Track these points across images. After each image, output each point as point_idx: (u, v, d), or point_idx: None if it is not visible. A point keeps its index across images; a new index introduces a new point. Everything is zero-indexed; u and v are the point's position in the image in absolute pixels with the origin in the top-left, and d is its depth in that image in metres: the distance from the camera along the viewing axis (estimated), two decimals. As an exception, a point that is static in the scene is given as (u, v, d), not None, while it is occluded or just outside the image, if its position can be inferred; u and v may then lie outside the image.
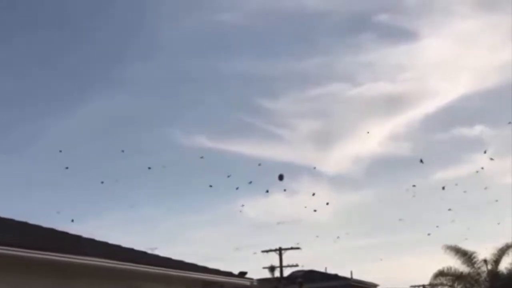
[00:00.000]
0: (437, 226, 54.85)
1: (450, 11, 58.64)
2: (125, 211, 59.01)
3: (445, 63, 63.78)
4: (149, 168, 34.98)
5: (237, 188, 39.38)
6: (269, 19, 61.42)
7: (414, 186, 34.78)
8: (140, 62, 64.89)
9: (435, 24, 60.71)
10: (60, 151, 36.80)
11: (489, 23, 60.90)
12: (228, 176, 34.26)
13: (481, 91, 63.46)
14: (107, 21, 60.45)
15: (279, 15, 59.91)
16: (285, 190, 37.89)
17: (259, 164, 38.18)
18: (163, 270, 16.95)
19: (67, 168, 33.38)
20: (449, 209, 43.41)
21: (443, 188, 42.22)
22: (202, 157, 40.65)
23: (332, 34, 64.02)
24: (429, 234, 42.56)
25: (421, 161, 31.86)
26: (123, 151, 42.35)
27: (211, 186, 39.45)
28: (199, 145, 60.66)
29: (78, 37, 60.64)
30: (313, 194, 40.28)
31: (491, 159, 40.77)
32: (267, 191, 41.11)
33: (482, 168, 42.48)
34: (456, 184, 44.23)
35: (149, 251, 21.00)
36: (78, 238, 18.72)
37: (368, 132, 36.05)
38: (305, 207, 44.33)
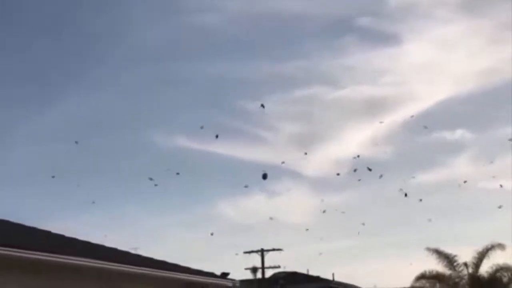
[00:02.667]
0: (419, 229, 55.33)
1: (432, 16, 59.07)
2: (106, 211, 58.81)
3: (427, 67, 64.22)
4: (151, 179, 34.78)
5: (246, 186, 39.36)
6: (252, 22, 61.56)
7: (401, 189, 35.17)
8: (121, 63, 64.87)
9: (417, 28, 61.16)
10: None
11: (470, 28, 61.42)
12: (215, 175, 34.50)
13: (461, 95, 63.97)
14: (87, 22, 60.20)
15: (262, 18, 60.09)
16: (266, 191, 38.12)
17: (239, 168, 38.04)
18: (146, 270, 17.01)
19: (53, 177, 33.12)
20: (431, 212, 43.76)
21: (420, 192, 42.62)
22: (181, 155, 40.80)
23: (314, 37, 64.31)
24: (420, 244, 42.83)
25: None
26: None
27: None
28: (181, 147, 60.72)
29: (55, 36, 60.37)
30: (289, 189, 40.69)
31: None
32: (246, 186, 41.21)
33: (461, 172, 42.89)
34: (437, 187, 44.55)
35: (132, 251, 21.07)
36: (60, 237, 18.74)
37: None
38: (287, 208, 44.53)
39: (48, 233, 18.66)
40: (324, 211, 40.18)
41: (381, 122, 34.44)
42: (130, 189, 63.44)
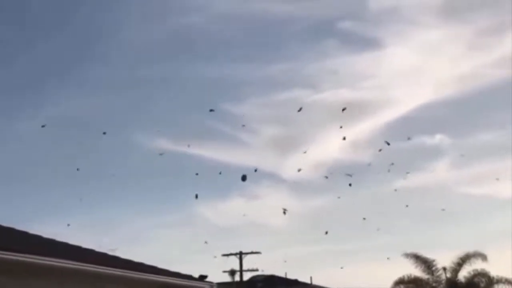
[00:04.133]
0: (398, 233, 55.63)
1: (414, 20, 59.38)
2: (84, 213, 58.57)
3: (408, 72, 64.58)
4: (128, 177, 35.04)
5: (220, 173, 38.71)
6: (234, 23, 61.71)
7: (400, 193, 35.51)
8: (102, 64, 64.63)
9: (399, 33, 61.49)
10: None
11: (452, 33, 61.85)
12: (196, 174, 34.44)
13: (441, 100, 64.33)
14: (69, 22, 60.00)
15: (244, 20, 60.23)
16: (244, 194, 38.18)
17: (220, 173, 37.94)
18: (124, 272, 16.96)
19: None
20: (410, 217, 44.05)
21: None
22: (161, 154, 40.71)
23: (296, 40, 64.45)
24: (388, 258, 43.29)
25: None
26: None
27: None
28: (161, 148, 60.60)
29: (37, 36, 60.10)
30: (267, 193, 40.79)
31: None
32: (220, 173, 41.18)
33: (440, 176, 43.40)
34: (416, 192, 44.83)
35: (110, 252, 20.96)
36: (38, 238, 18.63)
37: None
38: (265, 211, 44.58)
39: (25, 234, 18.54)
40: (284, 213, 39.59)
41: (344, 139, 34.59)
42: (110, 191, 63.29)
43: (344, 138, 33.97)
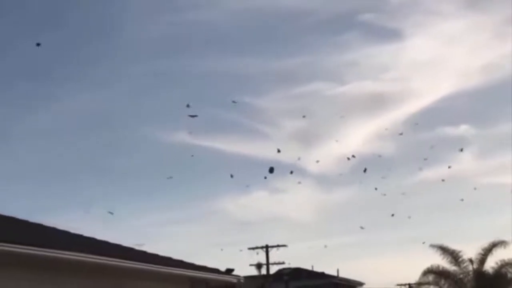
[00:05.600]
0: (422, 225, 55.37)
1: (435, 11, 59.01)
2: (108, 207, 58.95)
3: (430, 63, 64.20)
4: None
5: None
6: (255, 17, 61.67)
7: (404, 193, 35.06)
8: (118, 62, 64.79)
9: (420, 24, 61.16)
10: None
11: (474, 22, 61.38)
12: (232, 176, 32.98)
13: (465, 91, 63.87)
14: (81, 19, 60.15)
15: (264, 13, 60.14)
16: (269, 188, 37.89)
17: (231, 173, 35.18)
18: (150, 266, 17.09)
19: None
20: (433, 209, 43.80)
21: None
22: (192, 156, 40.55)
23: (317, 33, 64.35)
24: (423, 243, 42.76)
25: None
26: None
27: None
28: (183, 143, 60.82)
29: (51, 33, 60.23)
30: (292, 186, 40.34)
31: None
32: (248, 186, 41.09)
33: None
34: (442, 183, 44.48)
35: (137, 247, 21.10)
36: (66, 233, 18.84)
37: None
38: (290, 205, 44.47)
39: (53, 230, 18.76)
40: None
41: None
42: (132, 186, 63.62)
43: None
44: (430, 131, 55.68)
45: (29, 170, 58.04)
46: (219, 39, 63.74)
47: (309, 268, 60.94)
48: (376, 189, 35.29)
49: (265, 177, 30.76)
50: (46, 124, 60.83)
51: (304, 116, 44.94)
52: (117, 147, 62.09)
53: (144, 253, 19.83)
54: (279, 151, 30.39)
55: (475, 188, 47.46)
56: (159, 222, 66.09)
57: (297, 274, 58.23)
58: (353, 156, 32.61)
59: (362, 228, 42.42)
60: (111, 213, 31.05)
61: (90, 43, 62.17)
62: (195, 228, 67.13)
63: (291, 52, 66.13)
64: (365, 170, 32.09)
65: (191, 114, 26.50)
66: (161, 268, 17.59)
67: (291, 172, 34.97)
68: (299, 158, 35.18)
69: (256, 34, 65.51)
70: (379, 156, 37.71)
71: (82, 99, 61.65)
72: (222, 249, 53.23)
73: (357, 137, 54.68)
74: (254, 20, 62.35)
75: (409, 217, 42.80)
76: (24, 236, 15.39)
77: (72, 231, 19.28)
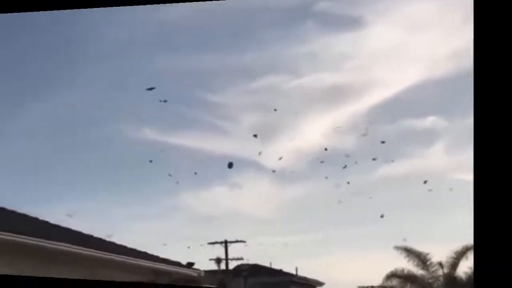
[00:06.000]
0: (386, 225, 55.40)
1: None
2: (78, 201, 59.05)
3: (393, 51, 63.04)
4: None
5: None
6: (207, 14, 61.95)
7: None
8: (85, 61, 64.77)
9: (382, 9, 60.11)
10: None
11: (442, 7, 60.80)
12: (195, 173, 33.44)
13: (432, 80, 63.13)
14: (49, 19, 60.12)
15: (217, 10, 60.44)
16: (228, 183, 37.75)
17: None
18: (125, 258, 17.82)
19: None
20: (398, 206, 42.44)
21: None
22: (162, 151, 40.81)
23: (272, 27, 64.41)
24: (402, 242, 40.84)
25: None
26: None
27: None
28: (146, 138, 61.10)
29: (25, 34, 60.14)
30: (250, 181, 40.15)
31: None
32: (209, 181, 41.19)
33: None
34: (409, 179, 42.85)
35: (107, 239, 21.61)
36: (45, 224, 19.26)
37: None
38: (250, 200, 44.32)
39: (35, 220, 19.17)
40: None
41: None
42: (101, 180, 63.62)
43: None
44: (395, 124, 55.31)
45: (3, 165, 57.94)
46: (173, 37, 63.99)
47: (268, 265, 61.63)
48: (337, 185, 34.37)
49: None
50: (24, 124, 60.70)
51: (262, 111, 44.52)
52: (87, 143, 62.22)
53: (114, 244, 20.38)
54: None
55: (449, 188, 46.61)
56: (125, 215, 66.36)
57: (256, 270, 58.89)
58: (326, 149, 32.59)
59: (348, 216, 40.46)
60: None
61: (58, 47, 62.19)
62: (158, 222, 67.39)
63: (247, 47, 66.17)
64: (322, 163, 31.67)
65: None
66: (126, 258, 18.25)
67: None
68: (260, 153, 35.13)
69: (210, 31, 65.74)
70: (340, 150, 36.31)
71: (52, 99, 61.72)
72: (189, 247, 53.63)
73: (316, 131, 54.61)
74: (208, 17, 62.66)
75: (382, 216, 40.99)
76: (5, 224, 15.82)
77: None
